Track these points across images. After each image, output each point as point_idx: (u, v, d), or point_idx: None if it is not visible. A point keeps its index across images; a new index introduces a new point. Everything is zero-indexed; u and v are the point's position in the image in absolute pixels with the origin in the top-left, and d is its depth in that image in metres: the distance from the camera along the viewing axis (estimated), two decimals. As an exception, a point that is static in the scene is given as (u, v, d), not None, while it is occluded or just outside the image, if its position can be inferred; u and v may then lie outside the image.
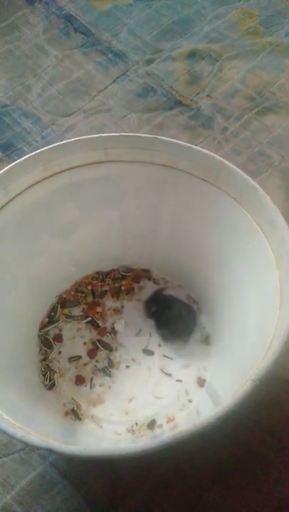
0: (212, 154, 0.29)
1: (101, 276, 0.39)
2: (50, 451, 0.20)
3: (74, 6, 0.56)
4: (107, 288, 0.38)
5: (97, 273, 0.39)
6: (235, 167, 0.28)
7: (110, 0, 0.57)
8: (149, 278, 0.39)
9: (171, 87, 0.50)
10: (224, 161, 0.28)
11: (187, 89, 0.50)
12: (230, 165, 0.28)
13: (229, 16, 0.55)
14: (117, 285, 0.39)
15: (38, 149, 0.46)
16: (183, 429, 0.20)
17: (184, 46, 0.53)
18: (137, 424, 0.33)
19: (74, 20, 0.55)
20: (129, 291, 0.38)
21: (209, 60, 0.52)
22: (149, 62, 0.52)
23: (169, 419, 0.33)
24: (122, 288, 0.38)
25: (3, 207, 0.29)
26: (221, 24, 0.55)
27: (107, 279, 0.39)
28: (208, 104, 0.49)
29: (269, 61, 0.52)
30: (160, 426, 0.32)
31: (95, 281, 0.39)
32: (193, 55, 0.52)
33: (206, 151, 0.29)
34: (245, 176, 0.28)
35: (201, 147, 0.30)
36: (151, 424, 0.32)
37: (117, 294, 0.38)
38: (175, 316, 0.36)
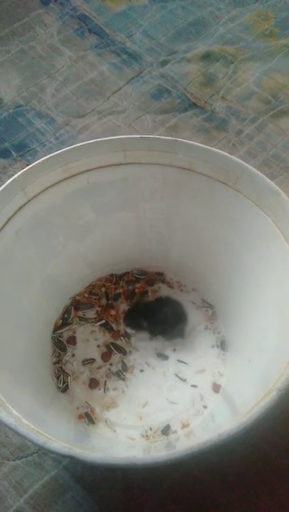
0: (233, 157, 0.28)
1: (115, 278, 0.38)
2: (72, 458, 0.19)
3: (88, 6, 0.56)
4: (120, 291, 0.38)
5: (111, 275, 0.39)
6: (257, 171, 0.28)
7: (125, 1, 0.56)
8: (163, 281, 0.39)
9: (185, 89, 0.50)
10: (246, 164, 0.28)
11: (202, 91, 0.50)
12: (252, 168, 0.28)
13: (244, 17, 0.55)
14: (130, 288, 0.38)
15: (51, 150, 0.46)
16: (209, 438, 0.20)
17: (199, 48, 0.53)
18: (151, 429, 0.32)
19: (88, 20, 0.55)
20: (143, 294, 0.38)
21: (224, 62, 0.52)
22: (164, 63, 0.52)
23: (184, 425, 0.32)
24: (136, 291, 0.38)
25: (21, 208, 0.29)
26: (235, 26, 0.54)
27: (121, 282, 0.38)
28: (222, 106, 0.49)
29: (285, 64, 0.51)
30: (174, 432, 0.32)
31: (109, 284, 0.38)
32: (207, 56, 0.52)
33: (227, 154, 0.29)
34: (268, 179, 0.28)
35: (216, 150, 0.30)
36: (166, 430, 0.32)
37: (130, 296, 0.38)
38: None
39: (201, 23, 0.55)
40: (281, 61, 0.51)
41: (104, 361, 0.35)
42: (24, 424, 0.22)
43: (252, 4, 0.56)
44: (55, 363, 0.35)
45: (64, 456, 0.20)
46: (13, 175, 0.29)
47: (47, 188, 0.30)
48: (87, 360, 0.35)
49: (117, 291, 0.38)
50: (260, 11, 0.56)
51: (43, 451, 0.32)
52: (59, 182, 0.31)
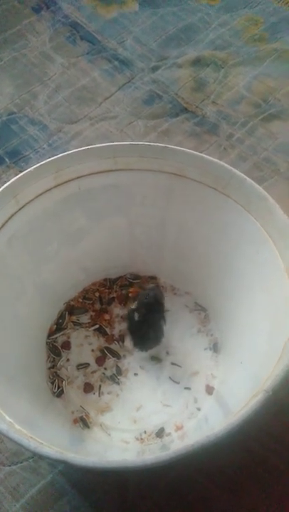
0: (222, 163, 0.29)
1: (109, 283, 0.39)
2: (65, 463, 0.19)
3: (80, 14, 0.57)
4: (114, 295, 0.38)
5: (105, 280, 0.39)
6: (245, 176, 0.28)
7: (116, 8, 0.57)
8: (157, 285, 0.39)
9: (176, 94, 0.50)
10: (234, 169, 0.29)
11: (192, 96, 0.50)
12: (241, 174, 0.28)
13: (234, 23, 0.56)
14: (124, 292, 0.39)
15: (44, 156, 0.47)
16: (196, 440, 0.20)
17: (189, 53, 0.53)
18: (145, 432, 0.32)
19: (80, 28, 0.55)
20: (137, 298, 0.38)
21: (214, 67, 0.52)
22: (155, 69, 0.52)
23: (178, 428, 0.33)
24: (130, 295, 0.38)
25: (13, 215, 0.30)
26: (225, 31, 0.55)
27: (115, 286, 0.39)
28: (213, 110, 0.49)
29: (274, 68, 0.52)
30: (169, 434, 0.32)
31: (103, 288, 0.39)
32: (198, 62, 0.53)
33: (216, 160, 0.29)
34: (255, 185, 0.28)
35: (207, 154, 0.31)
36: (160, 433, 0.32)
37: (124, 301, 0.38)
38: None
39: (191, 29, 0.55)
40: (271, 65, 0.52)
41: (99, 365, 0.35)
42: (16, 429, 0.22)
43: (241, 9, 0.57)
44: (49, 368, 0.35)
45: (56, 460, 0.20)
46: (6, 182, 0.30)
47: (39, 195, 0.31)
48: (81, 364, 0.35)
49: (111, 296, 0.38)
50: (250, 16, 0.56)
51: (38, 456, 0.32)
52: (51, 189, 0.31)
